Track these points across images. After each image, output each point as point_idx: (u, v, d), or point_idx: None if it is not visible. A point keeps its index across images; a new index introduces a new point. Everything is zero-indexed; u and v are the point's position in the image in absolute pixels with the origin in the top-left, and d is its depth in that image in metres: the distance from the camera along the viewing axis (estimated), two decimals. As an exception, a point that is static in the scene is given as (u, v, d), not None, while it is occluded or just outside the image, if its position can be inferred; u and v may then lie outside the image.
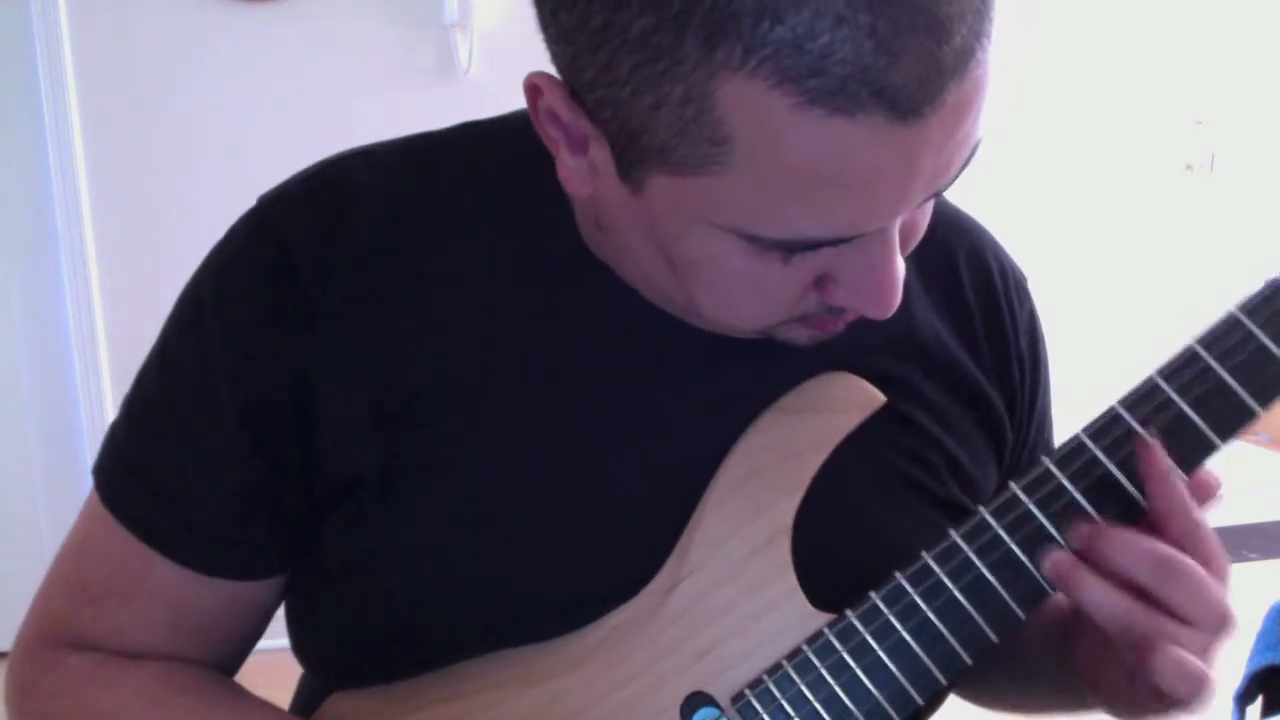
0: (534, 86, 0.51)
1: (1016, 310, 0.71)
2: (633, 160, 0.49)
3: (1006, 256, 0.73)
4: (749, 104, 0.43)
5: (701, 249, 0.51)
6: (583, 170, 0.53)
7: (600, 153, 0.51)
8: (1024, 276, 0.74)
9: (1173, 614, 0.53)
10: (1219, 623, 0.53)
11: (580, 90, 0.49)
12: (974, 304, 0.69)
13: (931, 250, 0.67)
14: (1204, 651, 0.53)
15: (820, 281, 0.53)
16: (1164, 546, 0.53)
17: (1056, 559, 0.55)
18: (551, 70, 0.51)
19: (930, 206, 0.54)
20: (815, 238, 0.48)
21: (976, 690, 0.76)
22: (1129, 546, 0.53)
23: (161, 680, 0.62)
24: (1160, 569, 0.52)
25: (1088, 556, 0.54)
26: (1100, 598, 0.53)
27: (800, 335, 0.58)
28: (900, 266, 0.52)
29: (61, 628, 0.64)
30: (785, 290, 0.53)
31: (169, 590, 0.62)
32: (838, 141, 0.43)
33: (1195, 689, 0.52)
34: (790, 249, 0.49)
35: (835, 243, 0.49)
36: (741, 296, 0.53)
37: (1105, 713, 0.61)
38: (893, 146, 0.44)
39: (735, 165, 0.45)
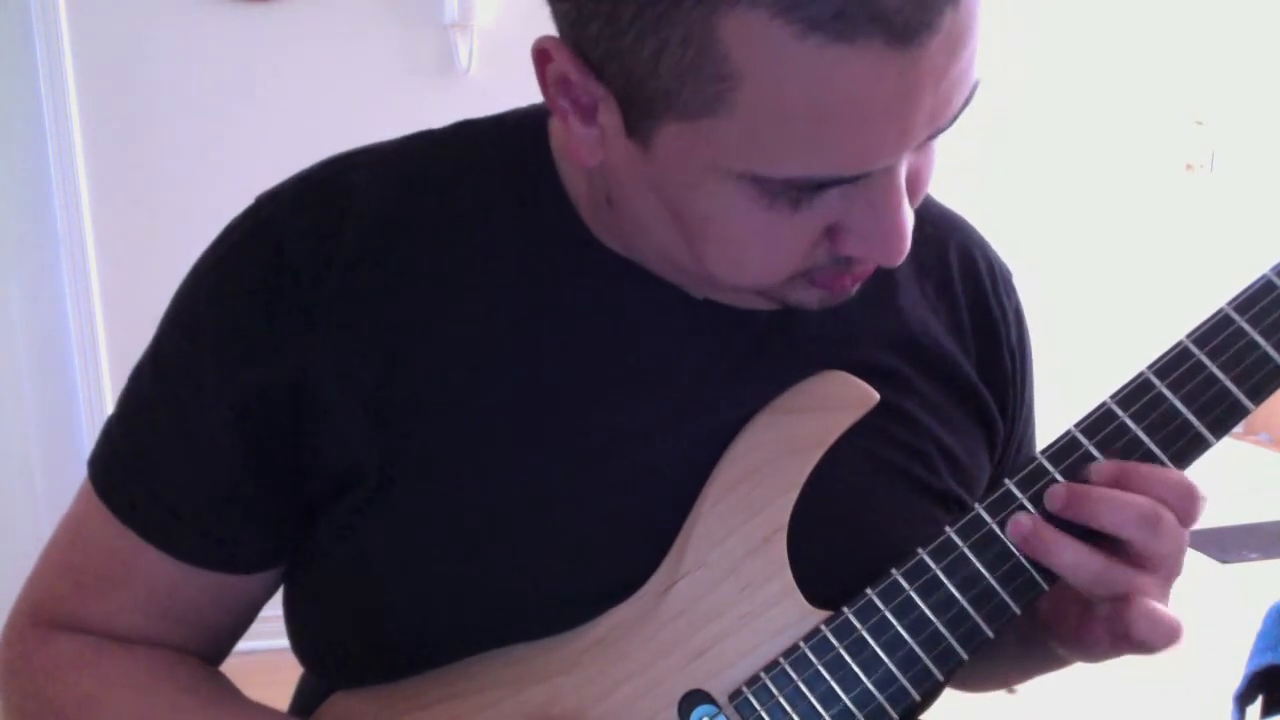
0: (542, 51, 0.52)
1: (1005, 304, 0.72)
2: (641, 113, 0.50)
3: (993, 252, 0.74)
4: (750, 36, 0.44)
5: (712, 203, 0.51)
6: (592, 139, 0.54)
7: (609, 115, 0.52)
8: (1009, 272, 0.75)
9: (1140, 564, 0.55)
10: (1176, 568, 0.56)
11: (586, 48, 0.49)
12: (963, 299, 0.70)
13: (924, 245, 0.67)
14: (1164, 594, 0.56)
15: (831, 232, 0.53)
16: (1146, 501, 0.55)
17: (1018, 521, 0.56)
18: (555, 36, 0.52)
19: (934, 155, 0.54)
20: (823, 176, 0.49)
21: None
22: (1114, 503, 0.55)
23: (147, 667, 0.63)
24: (1146, 524, 0.54)
25: (1069, 515, 0.56)
26: (1072, 558, 0.55)
27: (810, 297, 0.58)
28: (908, 211, 0.52)
29: (52, 610, 0.65)
30: (796, 240, 0.53)
31: (157, 579, 0.63)
32: (839, 69, 0.44)
33: (1168, 638, 0.54)
34: (800, 190, 0.50)
35: (842, 181, 0.49)
36: (753, 250, 0.53)
37: (1071, 658, 0.64)
38: (893, 74, 0.45)
39: (741, 102, 0.46)
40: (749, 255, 0.54)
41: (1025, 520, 0.56)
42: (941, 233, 0.71)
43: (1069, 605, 0.60)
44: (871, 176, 0.50)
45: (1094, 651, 0.60)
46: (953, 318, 0.69)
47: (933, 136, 0.51)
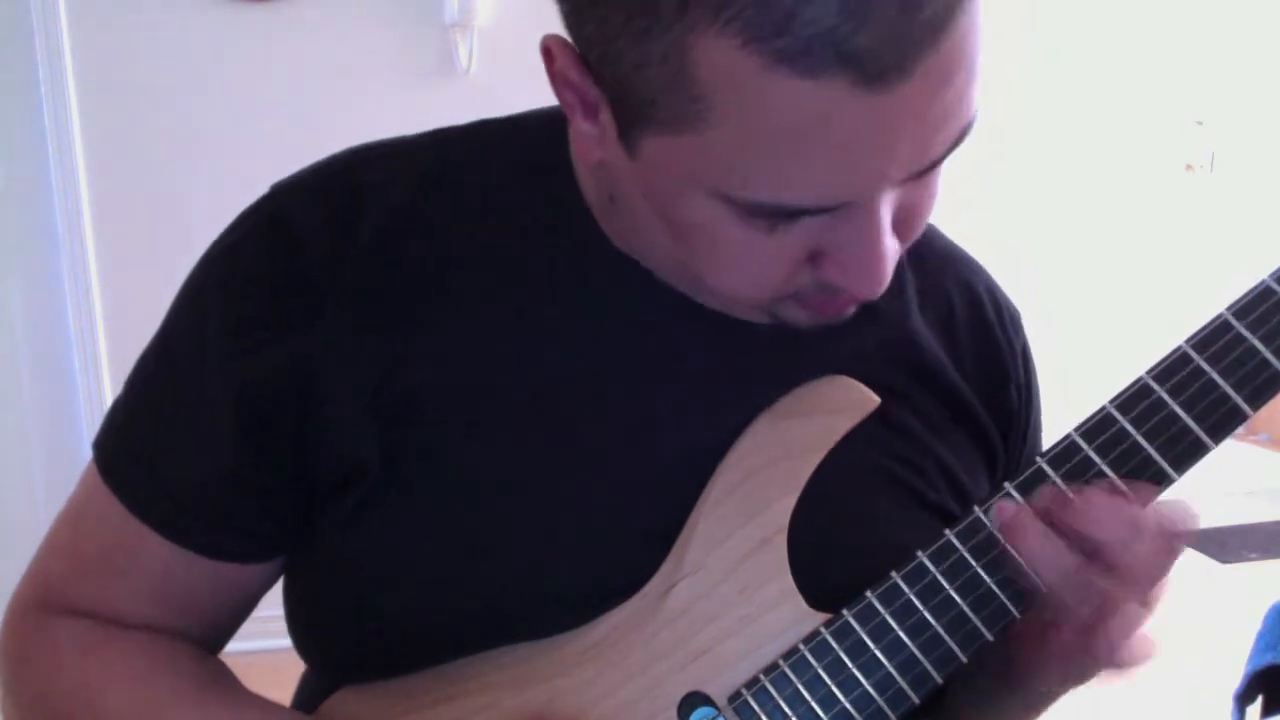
0: (547, 49, 0.52)
1: (1013, 342, 0.72)
2: (630, 119, 0.50)
3: (1000, 291, 0.73)
4: (720, 62, 0.44)
5: (694, 214, 0.51)
6: (593, 136, 0.54)
7: (606, 116, 0.52)
8: (1018, 312, 0.74)
9: (1118, 578, 0.53)
10: (1154, 593, 0.55)
11: (584, 48, 0.50)
12: (965, 335, 0.69)
13: (926, 278, 0.68)
14: (1143, 614, 0.54)
15: (814, 258, 0.53)
16: (1134, 508, 0.54)
17: (1002, 507, 0.56)
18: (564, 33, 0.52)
19: (934, 188, 0.54)
20: (793, 205, 0.48)
21: None
22: (1100, 510, 0.54)
23: (147, 654, 0.63)
24: (1131, 527, 0.53)
25: (1056, 521, 0.55)
26: (1044, 547, 0.54)
27: (800, 316, 0.58)
28: (890, 246, 0.51)
29: (54, 593, 0.65)
30: (775, 262, 0.53)
31: (159, 565, 0.63)
32: (805, 104, 0.44)
33: (1139, 653, 0.53)
34: (772, 216, 0.49)
35: (814, 212, 0.49)
36: (733, 265, 0.53)
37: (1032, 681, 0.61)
38: (863, 114, 0.44)
39: (713, 123, 0.46)
40: (730, 268, 0.54)
41: (1009, 506, 0.56)
42: (942, 268, 0.70)
43: (1036, 618, 0.58)
44: (851, 207, 0.49)
45: (1052, 665, 0.58)
46: (955, 351, 0.69)
47: (919, 175, 0.50)
